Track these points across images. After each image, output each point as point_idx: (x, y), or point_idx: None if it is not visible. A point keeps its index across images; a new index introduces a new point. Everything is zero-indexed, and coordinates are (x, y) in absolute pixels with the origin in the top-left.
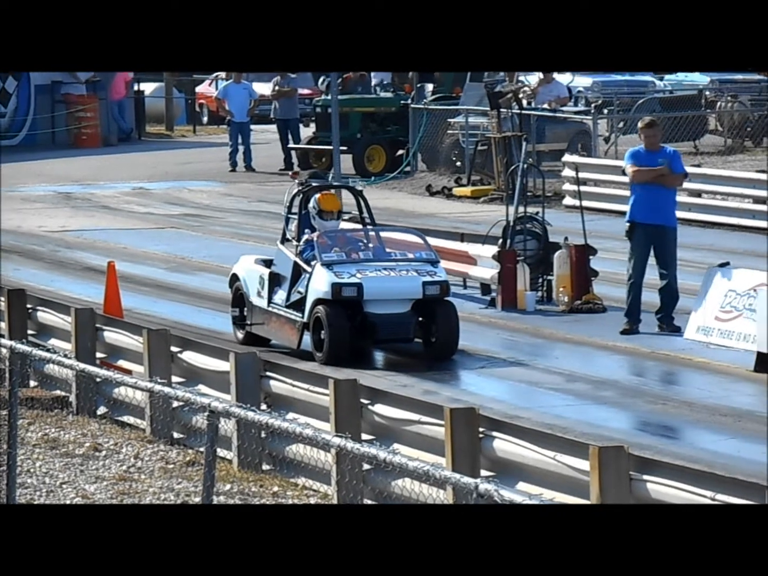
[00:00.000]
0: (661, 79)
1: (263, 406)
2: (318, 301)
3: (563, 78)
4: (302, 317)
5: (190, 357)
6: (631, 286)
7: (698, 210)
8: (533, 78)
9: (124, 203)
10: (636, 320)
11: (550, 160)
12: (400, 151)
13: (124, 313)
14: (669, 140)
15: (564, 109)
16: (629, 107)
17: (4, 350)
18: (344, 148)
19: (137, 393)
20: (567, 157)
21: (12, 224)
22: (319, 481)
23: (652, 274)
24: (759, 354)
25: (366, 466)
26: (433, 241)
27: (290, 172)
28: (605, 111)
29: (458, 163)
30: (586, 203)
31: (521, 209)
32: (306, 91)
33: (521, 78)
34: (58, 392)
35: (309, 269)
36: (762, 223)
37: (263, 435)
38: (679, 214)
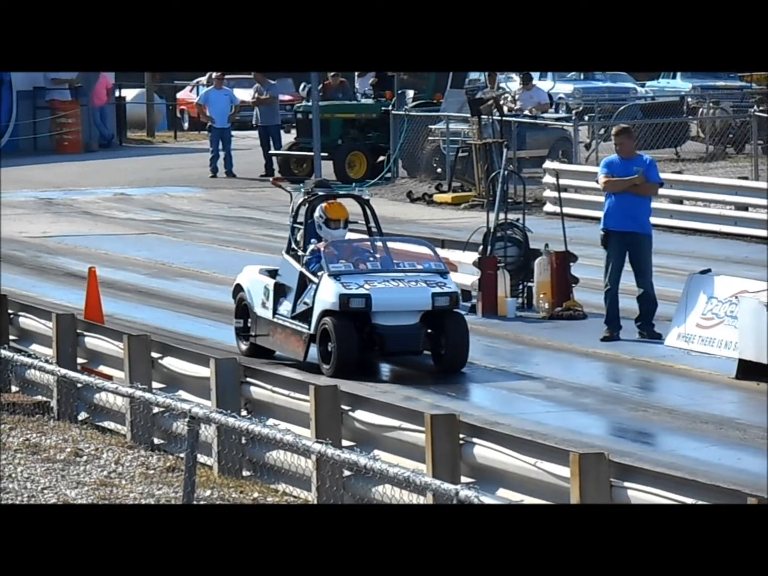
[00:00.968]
0: (643, 86)
1: (243, 412)
2: (325, 313)
3: (544, 85)
4: (309, 329)
5: (171, 363)
6: (607, 293)
7: (679, 217)
8: (514, 85)
9: (105, 209)
10: (616, 327)
11: (531, 166)
12: (381, 158)
13: (105, 318)
14: (650, 147)
15: (545, 115)
16: (610, 114)
17: None
18: (325, 154)
19: (118, 398)
20: (548, 164)
21: None
22: (300, 487)
23: (631, 281)
24: (740, 361)
25: (346, 473)
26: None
27: (271, 179)
28: (586, 118)
29: (439, 170)
30: (566, 210)
31: (502, 216)
32: (287, 98)
33: (502, 85)
34: (39, 397)
35: (316, 280)
36: (744, 230)
37: (243, 441)
38: (661, 220)
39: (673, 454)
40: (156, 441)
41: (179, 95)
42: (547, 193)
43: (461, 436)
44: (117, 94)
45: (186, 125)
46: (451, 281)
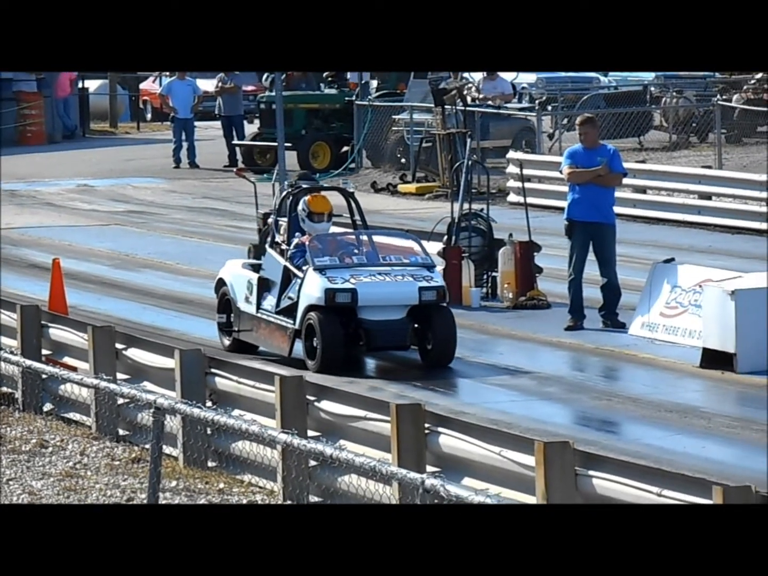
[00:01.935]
0: (606, 75)
1: (209, 403)
2: (310, 308)
3: (507, 75)
4: (294, 324)
5: (135, 354)
6: (571, 283)
7: (643, 206)
8: (477, 75)
9: (68, 200)
10: (580, 317)
11: (495, 156)
12: (345, 148)
13: (69, 310)
14: (613, 136)
15: (508, 105)
16: (573, 104)
17: None
18: (289, 144)
19: (83, 390)
20: (511, 154)
21: None
22: (265, 478)
23: (595, 271)
24: (705, 350)
25: (312, 463)
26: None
27: (234, 169)
28: (549, 107)
29: (403, 160)
30: (530, 200)
31: (466, 206)
32: (250, 88)
33: (465, 75)
34: (4, 389)
35: (300, 274)
36: (707, 219)
37: (209, 432)
38: (624, 210)
39: (637, 442)
40: (121, 432)
41: (142, 86)
42: (511, 183)
43: (426, 425)
44: (80, 85)
45: (149, 116)
46: (438, 275)
